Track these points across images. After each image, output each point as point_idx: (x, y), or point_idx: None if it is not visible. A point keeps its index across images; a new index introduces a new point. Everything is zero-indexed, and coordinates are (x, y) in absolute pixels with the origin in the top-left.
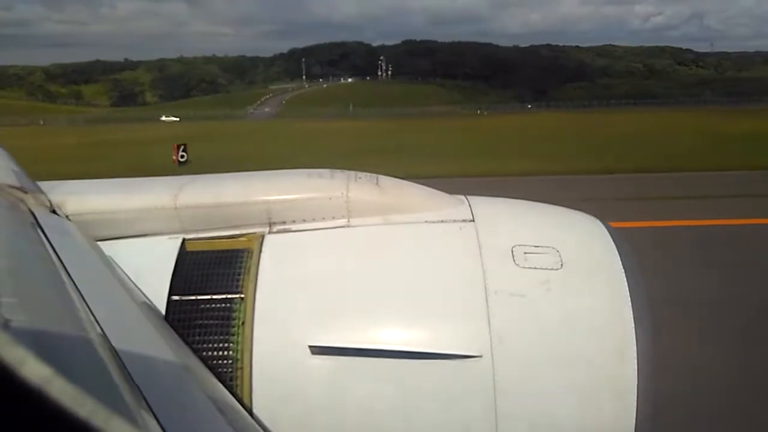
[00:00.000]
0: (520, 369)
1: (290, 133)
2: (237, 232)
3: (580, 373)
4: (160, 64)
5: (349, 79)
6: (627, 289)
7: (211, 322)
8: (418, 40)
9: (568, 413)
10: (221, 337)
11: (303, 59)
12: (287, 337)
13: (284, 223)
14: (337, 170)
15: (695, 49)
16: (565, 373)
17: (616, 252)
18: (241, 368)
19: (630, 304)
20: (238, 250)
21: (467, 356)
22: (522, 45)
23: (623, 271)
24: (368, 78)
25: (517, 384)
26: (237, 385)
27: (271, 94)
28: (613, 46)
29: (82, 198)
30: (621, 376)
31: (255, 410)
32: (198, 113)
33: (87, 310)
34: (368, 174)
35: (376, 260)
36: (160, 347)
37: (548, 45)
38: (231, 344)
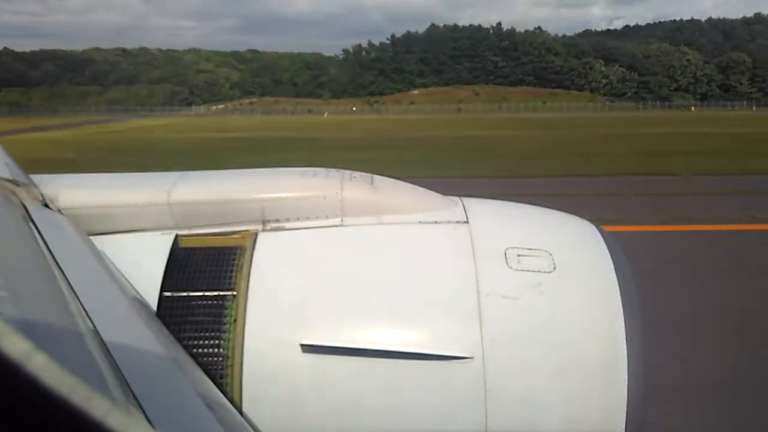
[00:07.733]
0: (510, 371)
1: None
2: (230, 229)
3: (571, 377)
4: None
5: None
6: (619, 292)
7: (203, 318)
8: None
9: (558, 416)
10: (212, 334)
11: None
12: (279, 335)
13: (278, 221)
14: (332, 169)
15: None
16: (556, 376)
17: (609, 255)
18: (232, 365)
19: (622, 307)
20: (231, 248)
21: (458, 357)
22: None
23: (615, 274)
24: None
25: (507, 386)
26: (227, 383)
27: None
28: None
29: (75, 192)
30: (612, 380)
31: (245, 407)
32: None
33: (78, 304)
34: (363, 173)
35: (369, 260)
36: (151, 343)
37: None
38: (222, 341)
